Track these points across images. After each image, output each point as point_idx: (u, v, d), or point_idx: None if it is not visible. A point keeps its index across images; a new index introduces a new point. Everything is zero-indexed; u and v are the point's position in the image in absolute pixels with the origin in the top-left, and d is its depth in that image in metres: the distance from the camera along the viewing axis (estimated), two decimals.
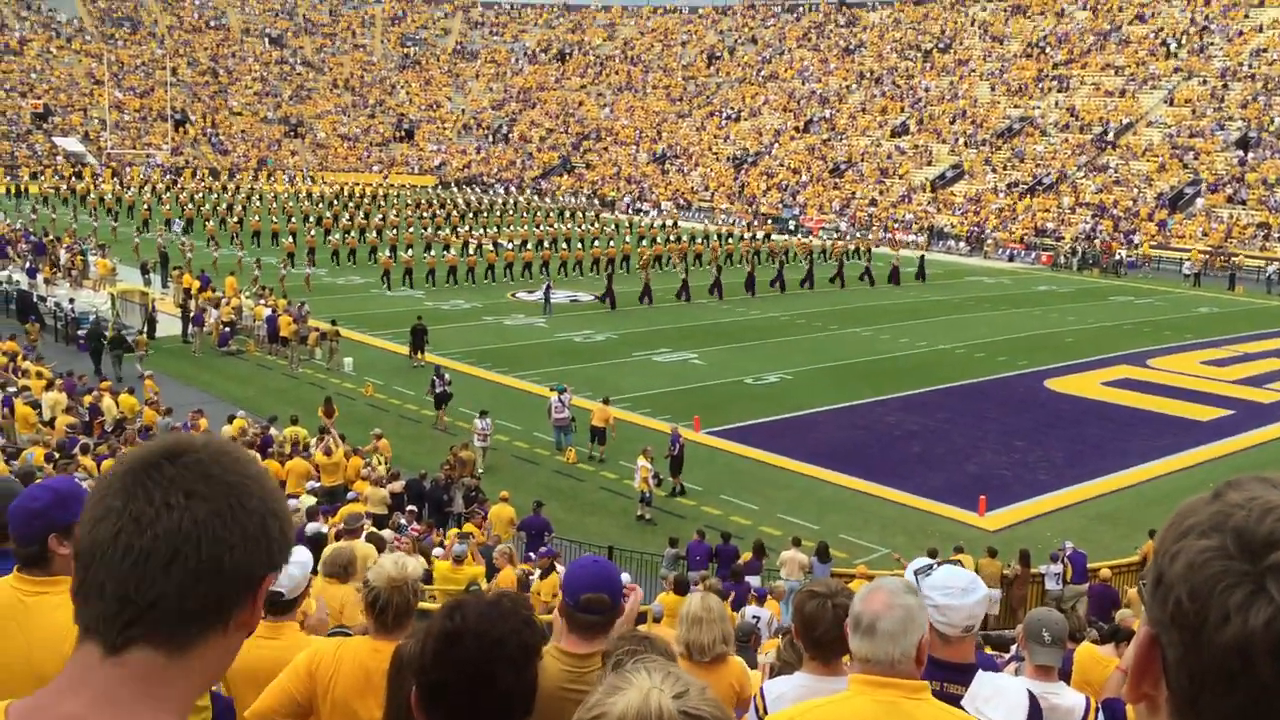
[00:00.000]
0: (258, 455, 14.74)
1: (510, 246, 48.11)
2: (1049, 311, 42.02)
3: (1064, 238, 60.54)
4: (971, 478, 21.56)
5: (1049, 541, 17.73)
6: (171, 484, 1.30)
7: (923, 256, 51.95)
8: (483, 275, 44.53)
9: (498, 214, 65.61)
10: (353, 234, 50.26)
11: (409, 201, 69.48)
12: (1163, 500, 20.28)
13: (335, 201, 66.12)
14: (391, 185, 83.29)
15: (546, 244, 48.94)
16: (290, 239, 46.26)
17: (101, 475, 1.40)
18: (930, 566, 3.10)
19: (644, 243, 53.62)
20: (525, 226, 57.35)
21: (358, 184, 78.96)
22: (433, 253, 44.28)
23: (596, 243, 51.76)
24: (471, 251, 46.85)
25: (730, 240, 55.31)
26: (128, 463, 1.36)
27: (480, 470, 19.87)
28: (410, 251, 44.95)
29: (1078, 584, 15.86)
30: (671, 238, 55.77)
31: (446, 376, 24.64)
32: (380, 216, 58.30)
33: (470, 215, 63.28)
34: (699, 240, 54.06)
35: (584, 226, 60.39)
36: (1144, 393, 28.76)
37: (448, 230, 53.13)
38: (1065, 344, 35.19)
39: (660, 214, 73.21)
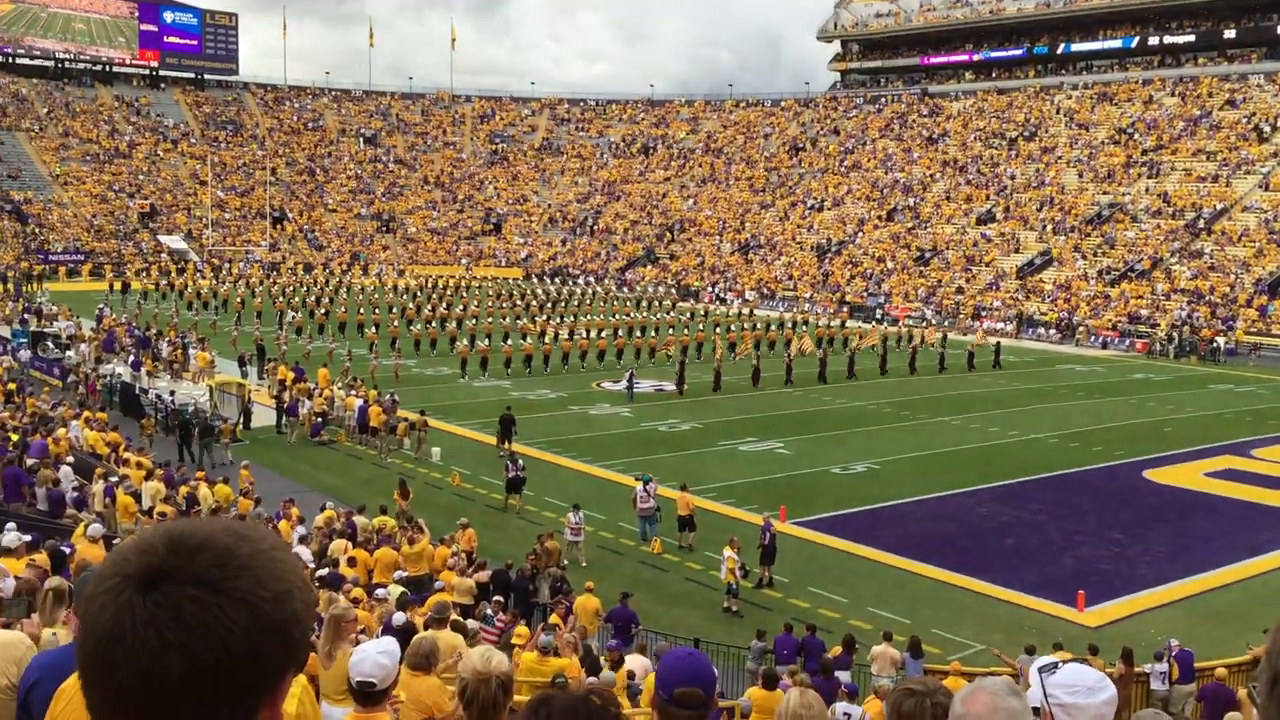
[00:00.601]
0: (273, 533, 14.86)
1: (586, 335, 48.64)
2: (1145, 400, 40.99)
3: (1159, 324, 59.25)
4: (1068, 572, 20.90)
5: (1153, 639, 17.04)
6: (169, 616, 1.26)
7: (999, 344, 51.25)
8: (559, 363, 45.06)
9: (575, 304, 66.47)
10: (434, 324, 51.52)
11: (490, 292, 70.81)
12: (1273, 597, 19.44)
13: (419, 293, 67.70)
14: (475, 277, 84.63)
15: (622, 332, 49.88)
16: (374, 329, 47.91)
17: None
18: (1056, 665, 2.98)
19: (718, 330, 53.63)
20: (603, 315, 57.98)
21: (441, 276, 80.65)
22: (509, 341, 45.11)
23: (671, 331, 52.54)
24: (548, 340, 47.48)
25: (804, 328, 55.41)
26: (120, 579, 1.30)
27: (565, 562, 19.72)
28: (488, 341, 45.71)
29: (1184, 684, 15.18)
30: (746, 325, 56.25)
31: (520, 462, 25.15)
32: (461, 307, 59.56)
33: (549, 305, 64.27)
34: (773, 328, 54.78)
35: (659, 315, 61.04)
36: (1249, 484, 27.76)
37: (526, 319, 54.28)
38: (1164, 433, 34.24)
39: (743, 302, 73.51)
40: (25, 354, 38.93)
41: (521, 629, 14.76)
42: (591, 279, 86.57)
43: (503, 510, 24.60)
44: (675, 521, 22.42)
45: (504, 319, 55.43)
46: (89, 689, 1.27)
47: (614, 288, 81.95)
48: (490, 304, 64.49)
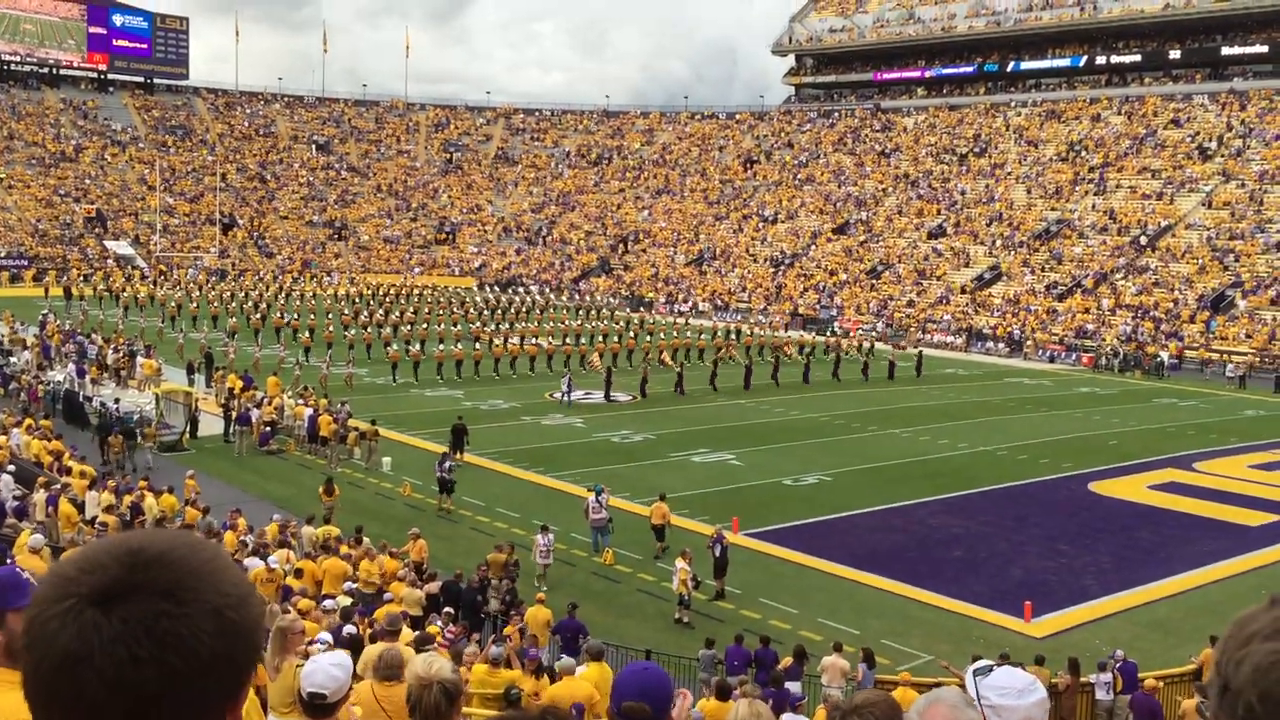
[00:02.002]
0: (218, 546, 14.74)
1: (520, 342, 49.30)
2: (1091, 413, 41.58)
3: (1105, 339, 60.18)
4: (1016, 583, 21.14)
5: (1098, 650, 17.28)
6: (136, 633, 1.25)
7: (920, 353, 53.14)
8: (495, 369, 45.66)
9: (515, 312, 66.54)
10: (370, 329, 52.20)
11: (429, 300, 71.09)
12: (1214, 609, 19.76)
13: (358, 300, 68.23)
14: (416, 285, 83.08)
15: (555, 340, 50.93)
16: (308, 334, 48.70)
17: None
18: (990, 667, 3.01)
19: (650, 339, 54.74)
20: (539, 324, 58.47)
21: (384, 284, 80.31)
22: (444, 347, 46.41)
23: (604, 339, 53.39)
24: (480, 346, 48.69)
25: (731, 336, 57.32)
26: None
27: (516, 574, 19.44)
28: (421, 346, 46.43)
29: (1128, 694, 15.40)
30: (675, 335, 57.48)
31: (448, 464, 25.54)
32: (398, 313, 60.01)
33: (490, 312, 64.73)
34: (703, 337, 56.34)
35: (594, 324, 61.44)
36: (1192, 497, 28.23)
37: (464, 326, 55.97)
38: (1109, 446, 34.75)
39: (695, 313, 73.85)
40: None
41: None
42: (534, 288, 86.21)
43: (447, 518, 24.48)
44: (652, 532, 22.54)
45: (439, 326, 56.17)
46: (48, 712, 1.25)
47: (554, 297, 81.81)
48: (428, 311, 64.41)
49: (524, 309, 68.52)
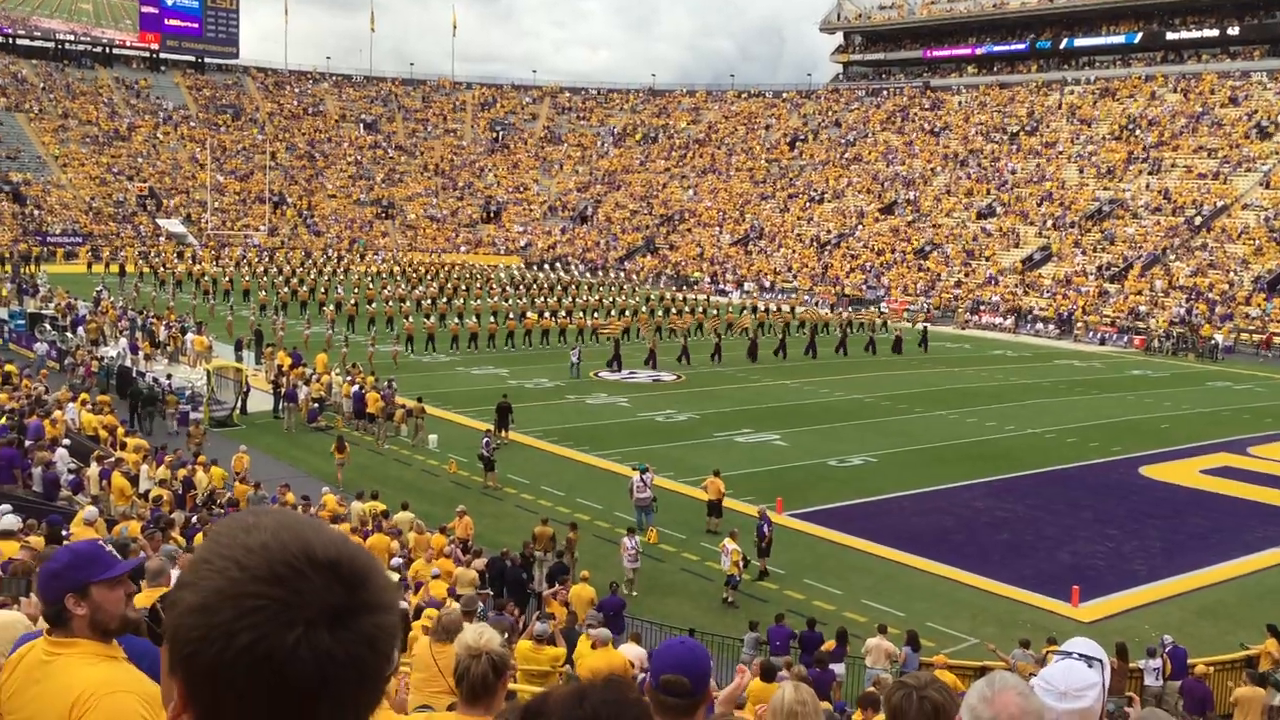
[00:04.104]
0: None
1: (542, 316, 51.07)
2: (1143, 396, 41.00)
3: (1157, 321, 59.26)
4: (1064, 567, 20.92)
5: (1146, 635, 17.07)
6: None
7: (925, 327, 55.33)
8: (503, 341, 47.40)
9: (538, 288, 67.74)
10: (404, 304, 53.96)
11: (454, 277, 72.39)
12: (1268, 595, 19.47)
13: (399, 278, 70.04)
14: (447, 264, 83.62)
15: (576, 314, 52.75)
16: (333, 308, 50.62)
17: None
18: (1065, 655, 2.95)
19: (668, 314, 56.67)
20: (561, 301, 59.37)
21: (412, 260, 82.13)
22: (449, 321, 48.59)
23: (611, 313, 54.92)
24: (503, 320, 50.92)
25: (756, 313, 58.07)
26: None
27: (635, 593, 18.96)
28: (434, 319, 48.32)
29: (1177, 680, 15.21)
30: (700, 309, 58.48)
31: (489, 442, 25.83)
32: (424, 289, 62.18)
33: (515, 289, 66.65)
34: (727, 312, 57.10)
35: (619, 300, 62.72)
36: (1246, 481, 27.77)
37: (483, 302, 58.52)
38: (1160, 430, 34.25)
39: (742, 295, 73.70)
40: (42, 346, 38.95)
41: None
42: (573, 266, 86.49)
43: (493, 495, 24.64)
44: (706, 506, 22.60)
45: (475, 301, 58.36)
46: (229, 707, 1.23)
47: (588, 275, 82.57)
48: (464, 288, 65.77)
49: (550, 286, 69.08)
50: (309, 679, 1.20)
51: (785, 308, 62.47)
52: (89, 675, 2.64)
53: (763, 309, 60.28)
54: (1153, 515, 24.73)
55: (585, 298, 60.94)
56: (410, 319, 48.89)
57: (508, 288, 67.09)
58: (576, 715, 1.99)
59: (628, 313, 55.94)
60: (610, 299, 61.81)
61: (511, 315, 51.15)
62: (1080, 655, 3.09)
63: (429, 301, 56.18)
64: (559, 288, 68.09)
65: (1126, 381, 44.95)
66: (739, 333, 51.96)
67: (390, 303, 54.63)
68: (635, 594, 18.84)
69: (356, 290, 58.14)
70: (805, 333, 50.93)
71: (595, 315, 53.65)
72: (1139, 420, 35.99)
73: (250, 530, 1.28)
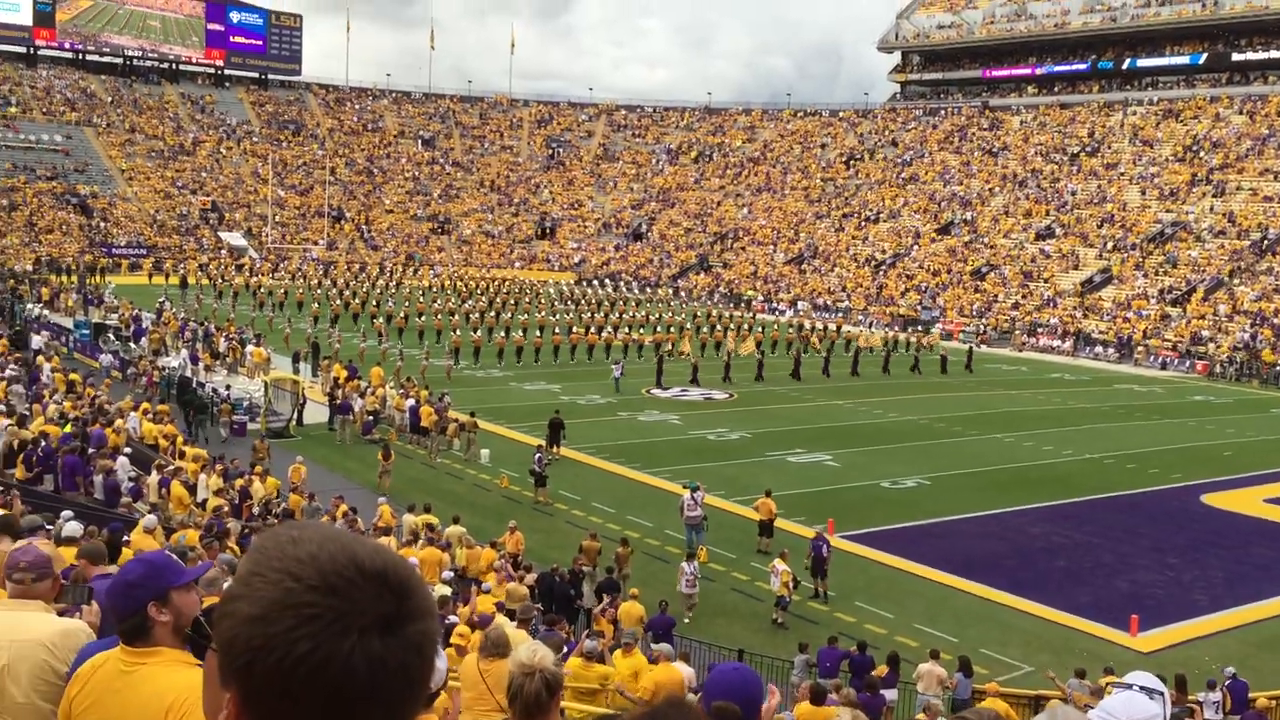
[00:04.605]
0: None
1: (588, 331, 51.91)
2: (1204, 423, 40.22)
3: (1220, 346, 58.15)
4: (1122, 595, 20.54)
5: (1206, 667, 16.69)
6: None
7: (971, 348, 55.12)
8: (549, 356, 47.80)
9: (589, 304, 68.33)
10: (456, 318, 55.05)
11: (502, 292, 73.10)
12: None
13: (450, 293, 70.52)
14: (495, 278, 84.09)
15: (621, 330, 53.41)
16: (402, 319, 51.52)
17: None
18: (1127, 687, 2.90)
19: (703, 330, 57.67)
20: (608, 316, 59.71)
21: (463, 276, 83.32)
22: (496, 335, 49.16)
23: (641, 329, 55.38)
24: (549, 334, 51.38)
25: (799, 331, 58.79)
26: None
27: (687, 618, 18.77)
28: (480, 333, 49.45)
29: (1238, 714, 14.86)
30: (745, 326, 59.36)
31: (545, 460, 26.16)
32: (474, 303, 63.04)
33: (563, 304, 67.68)
34: (759, 330, 57.98)
35: (653, 314, 63.14)
36: None
37: (530, 317, 58.80)
38: (1223, 457, 33.57)
39: (795, 313, 73.43)
40: (108, 358, 39.77)
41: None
42: (621, 284, 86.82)
43: (544, 511, 24.70)
44: (758, 526, 22.55)
45: (524, 315, 59.13)
46: (282, 711, 1.27)
47: (636, 292, 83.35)
48: (514, 303, 66.44)
49: (598, 302, 69.41)
50: (362, 685, 1.24)
51: (831, 326, 62.54)
52: (181, 680, 2.67)
53: (808, 328, 60.42)
54: (1214, 544, 24.22)
55: (631, 314, 61.28)
56: (458, 332, 49.25)
57: (555, 303, 67.73)
58: None
59: (672, 329, 56.35)
60: (656, 315, 62.03)
61: (558, 330, 51.61)
62: (1141, 687, 3.04)
63: (477, 315, 56.78)
64: (605, 304, 68.39)
65: (1188, 407, 44.14)
66: (787, 349, 52.29)
67: (439, 316, 55.25)
68: (689, 619, 18.59)
69: (407, 304, 58.78)
70: (850, 353, 50.86)
71: (641, 331, 54.02)
72: (1200, 447, 35.30)
73: (296, 543, 1.32)
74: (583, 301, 69.25)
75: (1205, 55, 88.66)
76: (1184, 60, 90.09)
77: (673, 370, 44.20)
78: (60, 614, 4.17)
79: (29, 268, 69.43)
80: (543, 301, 67.58)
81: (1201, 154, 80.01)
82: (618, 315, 59.67)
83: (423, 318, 53.06)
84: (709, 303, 78.48)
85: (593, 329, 52.43)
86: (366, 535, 18.29)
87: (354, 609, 1.26)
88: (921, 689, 14.80)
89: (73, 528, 10.49)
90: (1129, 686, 2.95)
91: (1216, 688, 15.08)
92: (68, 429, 22.31)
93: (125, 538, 12.29)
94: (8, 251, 73.90)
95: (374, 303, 60.02)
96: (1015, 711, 13.81)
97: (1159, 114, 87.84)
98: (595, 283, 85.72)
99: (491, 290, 72.21)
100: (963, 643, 17.60)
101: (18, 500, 13.12)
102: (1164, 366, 57.52)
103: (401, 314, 53.29)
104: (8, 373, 29.12)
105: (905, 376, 48.14)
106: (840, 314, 73.41)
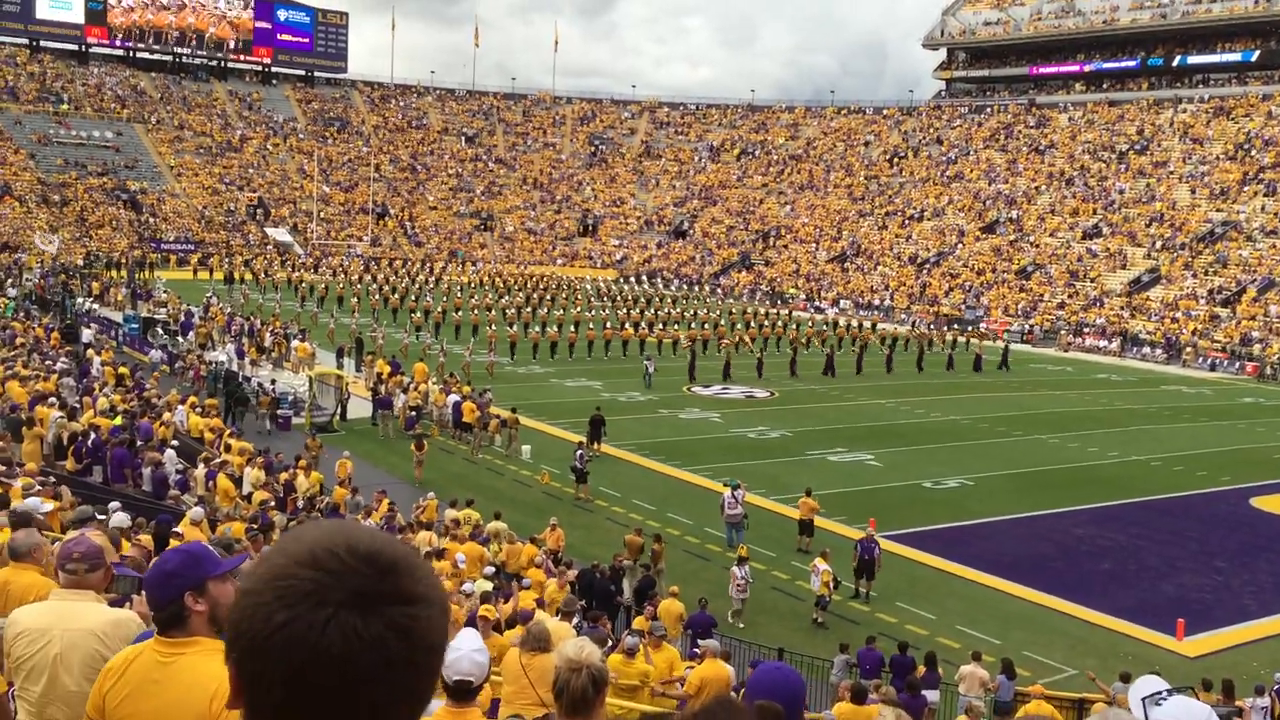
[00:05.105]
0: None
1: (619, 328, 52.44)
2: (1254, 425, 39.59)
3: (1271, 348, 57.20)
4: (1168, 599, 20.28)
5: (1255, 672, 16.44)
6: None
7: (1007, 346, 55.03)
8: (585, 351, 48.30)
9: (627, 300, 68.53)
10: (494, 313, 55.25)
11: (542, 287, 73.50)
12: None
13: (490, 289, 70.91)
14: (533, 275, 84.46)
15: (657, 327, 54.00)
16: (420, 315, 52.35)
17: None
18: (1161, 693, 2.86)
19: (739, 327, 58.10)
20: (644, 313, 59.98)
21: (501, 272, 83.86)
22: (532, 330, 49.67)
23: (677, 326, 55.87)
24: (584, 330, 51.97)
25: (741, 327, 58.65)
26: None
27: (741, 625, 18.68)
28: (517, 328, 49.67)
29: None
30: (779, 323, 59.47)
31: (585, 456, 26.11)
32: (511, 299, 63.78)
33: (601, 300, 68.34)
34: (793, 327, 57.70)
35: (686, 312, 63.36)
36: None
37: (567, 311, 59.31)
38: (1273, 460, 33.02)
39: (837, 311, 73.10)
40: (157, 353, 40.32)
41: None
42: (659, 281, 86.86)
43: (584, 507, 24.76)
44: (798, 525, 22.49)
45: (560, 311, 59.38)
46: (274, 694, 1.29)
47: (662, 287, 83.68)
48: (550, 299, 66.68)
49: (635, 299, 69.47)
50: (335, 658, 1.25)
51: (867, 324, 62.55)
52: (221, 669, 2.71)
53: (843, 325, 60.51)
54: (1264, 548, 23.84)
55: (668, 311, 61.39)
56: (494, 327, 49.49)
57: (593, 299, 67.92)
58: None
59: (707, 326, 56.70)
60: (693, 312, 62.14)
61: (592, 326, 51.80)
62: (1166, 690, 3.00)
63: (514, 310, 57.06)
64: (642, 300, 68.42)
65: (1237, 409, 43.47)
66: (821, 345, 52.40)
67: (476, 311, 55.56)
68: (742, 625, 18.49)
69: (446, 299, 59.18)
70: (886, 349, 51.01)
71: (675, 328, 54.20)
72: (1250, 450, 34.75)
73: (307, 529, 1.37)
74: (619, 298, 69.43)
75: (1258, 52, 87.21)
76: (1235, 57, 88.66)
77: (705, 369, 44.15)
78: (111, 604, 4.25)
79: (79, 262, 70.52)
80: (579, 298, 67.75)
81: (1253, 152, 78.75)
82: (653, 312, 59.88)
83: (460, 313, 53.48)
84: (746, 300, 78.31)
85: (628, 325, 52.61)
86: (409, 527, 18.39)
87: (335, 583, 1.28)
88: (963, 690, 14.68)
89: (120, 518, 10.66)
90: (1157, 693, 2.91)
91: (1265, 693, 14.83)
92: (117, 421, 22.64)
93: (175, 529, 12.47)
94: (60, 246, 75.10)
95: (413, 297, 60.52)
96: (1060, 715, 13.67)
97: (1210, 112, 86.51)
98: (633, 279, 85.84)
99: (529, 286, 72.52)
100: (1005, 645, 17.45)
101: (67, 491, 13.34)
102: (1213, 368, 56.69)
103: (439, 309, 53.68)
104: (59, 366, 29.63)
105: (942, 375, 47.81)
106: (878, 312, 72.99)
